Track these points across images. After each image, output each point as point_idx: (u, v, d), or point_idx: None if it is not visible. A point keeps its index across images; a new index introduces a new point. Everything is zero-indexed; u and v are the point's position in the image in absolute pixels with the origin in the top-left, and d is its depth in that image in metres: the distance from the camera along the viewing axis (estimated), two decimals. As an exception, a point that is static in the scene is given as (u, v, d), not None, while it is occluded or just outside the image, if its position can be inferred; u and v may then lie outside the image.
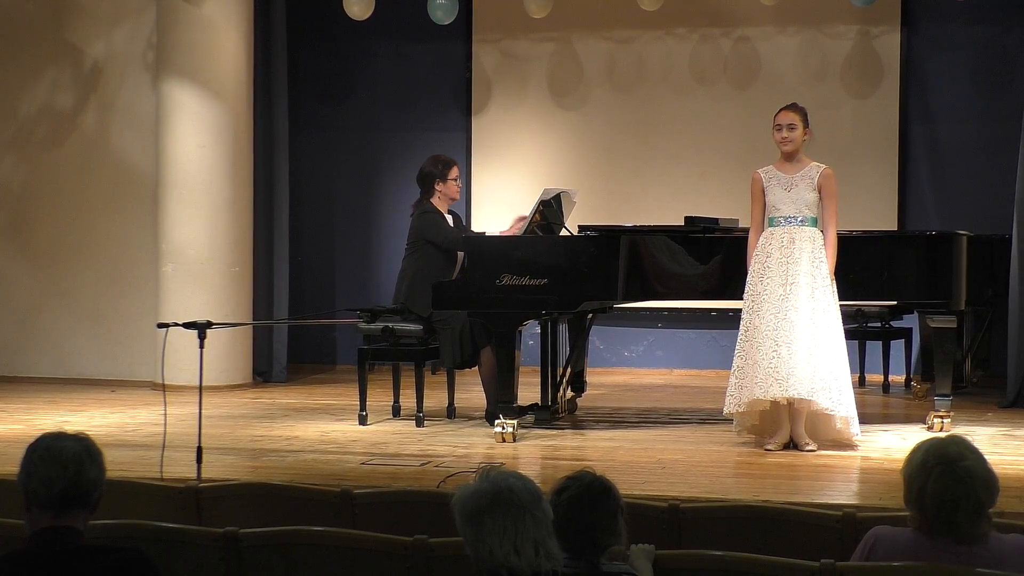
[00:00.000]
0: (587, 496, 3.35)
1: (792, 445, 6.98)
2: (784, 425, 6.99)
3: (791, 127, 7.04)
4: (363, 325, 8.02)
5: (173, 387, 8.05)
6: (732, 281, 7.32)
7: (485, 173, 11.33)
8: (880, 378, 9.82)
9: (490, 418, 7.64)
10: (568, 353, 8.41)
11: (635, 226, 7.72)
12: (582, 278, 7.36)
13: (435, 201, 8.18)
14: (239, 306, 10.07)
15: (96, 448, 3.23)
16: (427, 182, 8.22)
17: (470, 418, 8.17)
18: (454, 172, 8.23)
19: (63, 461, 3.14)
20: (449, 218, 8.22)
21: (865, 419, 7.20)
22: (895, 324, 9.81)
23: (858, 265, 7.33)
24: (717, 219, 7.81)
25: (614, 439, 7.49)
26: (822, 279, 6.95)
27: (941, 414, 7.48)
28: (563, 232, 7.96)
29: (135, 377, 10.26)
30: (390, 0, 10.50)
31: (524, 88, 11.30)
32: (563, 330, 8.41)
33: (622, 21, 10.99)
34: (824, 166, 7.09)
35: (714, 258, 7.53)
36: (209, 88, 9.95)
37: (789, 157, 7.09)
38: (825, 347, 6.90)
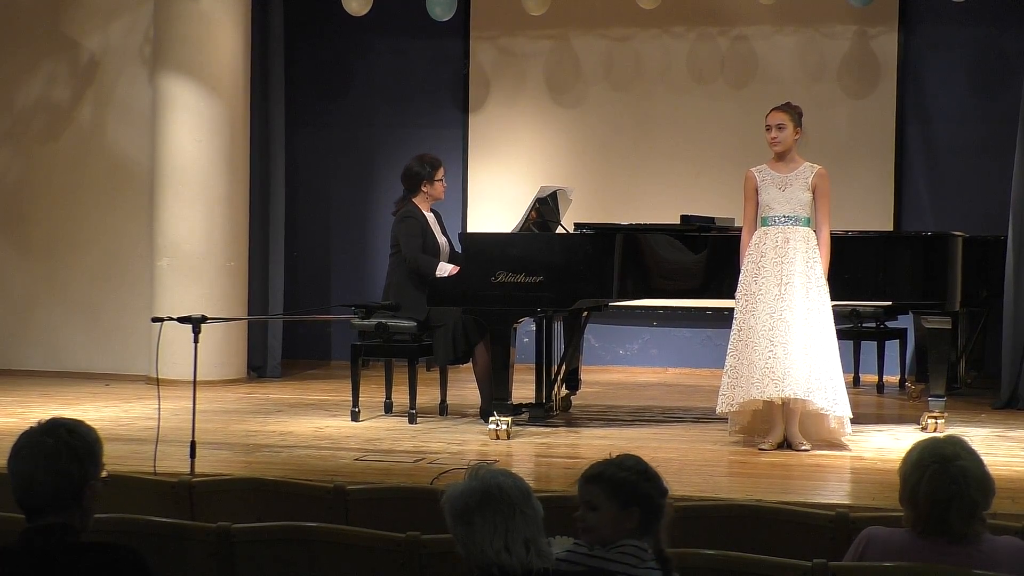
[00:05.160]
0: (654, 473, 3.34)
1: (786, 444, 6.98)
2: (778, 424, 6.99)
3: (780, 127, 7.06)
4: (357, 321, 8.01)
5: (167, 381, 8.02)
6: (727, 280, 7.31)
7: (482, 170, 11.33)
8: (875, 378, 9.83)
9: (485, 415, 7.62)
10: (563, 351, 8.41)
11: (631, 224, 7.72)
12: (577, 276, 7.36)
13: (418, 201, 8.15)
14: (234, 301, 10.06)
15: (83, 440, 3.11)
16: (414, 182, 8.18)
17: (463, 415, 8.16)
18: (440, 173, 8.19)
19: (37, 459, 3.06)
20: (431, 217, 8.19)
21: (859, 419, 7.21)
22: (890, 324, 9.81)
23: (853, 265, 7.33)
24: (713, 218, 7.82)
25: (608, 437, 7.48)
26: (816, 279, 6.96)
27: (935, 415, 7.48)
28: (559, 230, 7.96)
29: (129, 371, 10.25)
30: (388, -4, 10.49)
31: (521, 85, 11.30)
32: (558, 328, 8.41)
33: (620, 19, 10.99)
34: (818, 166, 7.10)
35: (709, 257, 7.53)
36: (206, 83, 9.94)
37: (781, 157, 7.10)
38: (820, 347, 6.90)
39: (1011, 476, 6.14)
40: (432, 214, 8.22)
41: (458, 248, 7.96)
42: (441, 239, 8.17)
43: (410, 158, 8.34)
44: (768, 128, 7.10)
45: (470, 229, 10.88)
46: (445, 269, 7.83)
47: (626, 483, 3.24)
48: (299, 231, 11.50)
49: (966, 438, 3.49)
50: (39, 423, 3.16)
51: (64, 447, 3.09)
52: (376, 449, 6.90)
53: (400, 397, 8.16)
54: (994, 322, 9.48)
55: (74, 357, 10.66)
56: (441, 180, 8.19)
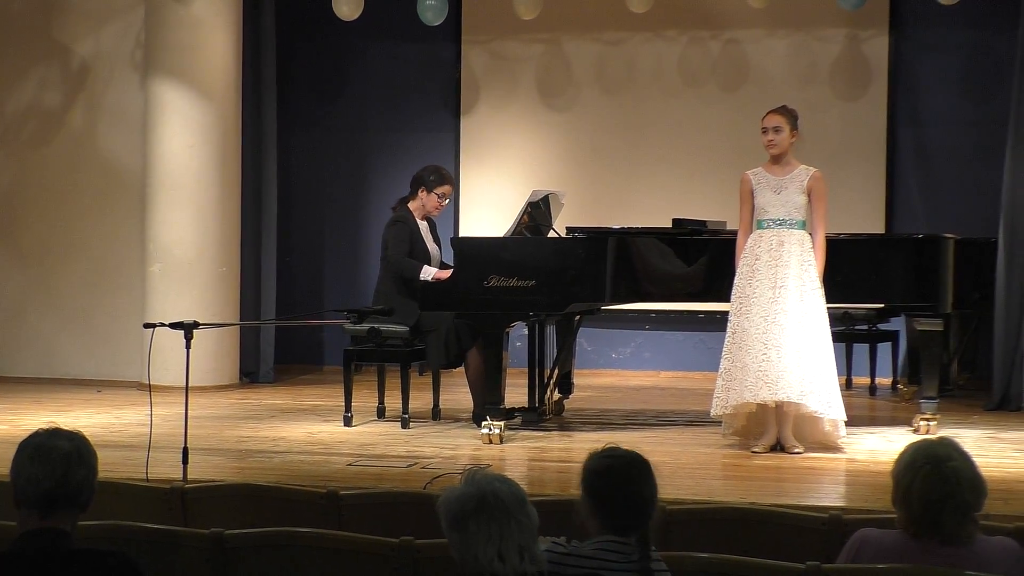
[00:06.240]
0: (635, 470, 3.37)
1: (779, 447, 6.99)
2: (771, 427, 7.00)
3: (777, 130, 7.05)
4: (349, 326, 8.00)
5: (159, 387, 8.03)
6: (720, 283, 7.32)
7: (473, 174, 11.33)
8: (867, 380, 9.84)
9: (477, 420, 7.62)
10: (555, 355, 8.42)
11: (623, 228, 7.72)
12: (570, 280, 7.36)
13: (413, 207, 8.16)
14: (226, 306, 10.05)
15: (88, 448, 3.18)
16: (414, 186, 8.20)
17: (455, 420, 8.16)
18: (443, 189, 8.15)
19: (51, 461, 3.11)
20: (424, 225, 8.19)
21: (852, 421, 7.21)
22: (882, 327, 9.83)
23: (846, 268, 7.34)
24: (705, 221, 7.82)
25: (601, 441, 7.34)
26: (811, 282, 6.96)
27: (927, 416, 7.49)
28: (551, 234, 7.96)
29: (121, 377, 10.23)
30: (379, 1, 10.48)
31: (513, 89, 11.30)
32: (551, 332, 8.41)
33: (611, 23, 11.00)
34: (814, 169, 7.10)
35: (702, 260, 7.53)
36: (197, 88, 9.93)
37: (777, 160, 7.10)
38: (814, 350, 6.91)
39: (1003, 477, 6.15)
40: (426, 222, 8.22)
41: (449, 255, 7.95)
42: (432, 247, 8.18)
43: (418, 161, 8.35)
44: (764, 131, 7.09)
45: (462, 233, 10.88)
46: (429, 272, 7.84)
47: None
48: (291, 236, 11.49)
49: (958, 440, 3.49)
50: (43, 429, 3.21)
51: (74, 452, 3.14)
52: (369, 454, 6.89)
53: (393, 402, 8.15)
54: (986, 324, 9.49)
55: (66, 363, 10.64)
56: (441, 197, 8.14)
